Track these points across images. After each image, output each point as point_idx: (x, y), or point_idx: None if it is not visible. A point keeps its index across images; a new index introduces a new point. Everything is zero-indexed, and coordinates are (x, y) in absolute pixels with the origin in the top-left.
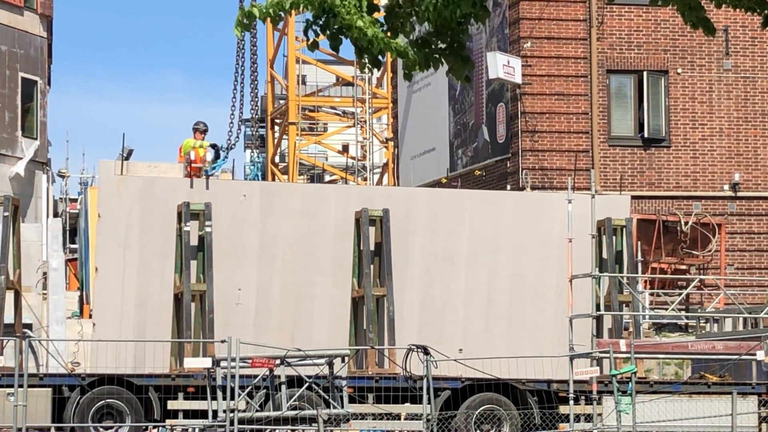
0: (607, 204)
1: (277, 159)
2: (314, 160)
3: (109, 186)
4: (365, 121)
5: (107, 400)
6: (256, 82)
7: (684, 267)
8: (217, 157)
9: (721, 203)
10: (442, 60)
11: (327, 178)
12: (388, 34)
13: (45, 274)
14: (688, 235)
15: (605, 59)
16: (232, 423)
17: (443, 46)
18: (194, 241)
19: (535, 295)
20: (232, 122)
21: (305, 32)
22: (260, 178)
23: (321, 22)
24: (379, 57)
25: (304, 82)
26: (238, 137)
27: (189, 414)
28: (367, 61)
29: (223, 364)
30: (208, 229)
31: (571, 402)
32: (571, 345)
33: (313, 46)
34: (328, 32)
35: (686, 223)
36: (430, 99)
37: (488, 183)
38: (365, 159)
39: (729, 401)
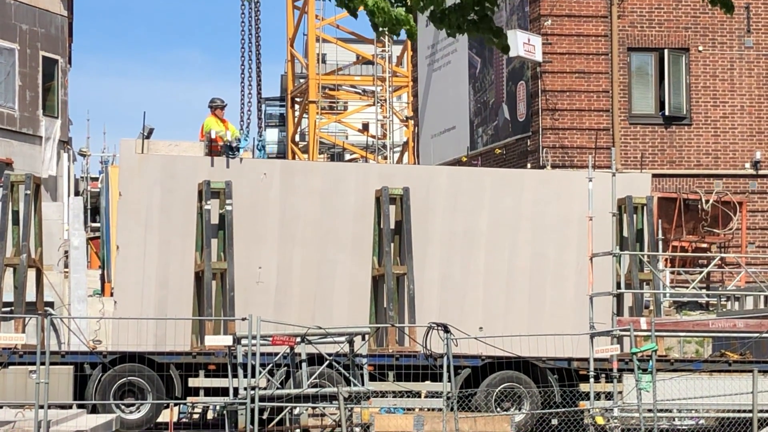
0: (628, 182)
1: (297, 138)
2: (334, 138)
3: (130, 165)
4: (385, 100)
5: (129, 378)
6: (260, 56)
7: (705, 245)
8: (238, 139)
9: (743, 181)
10: (476, 31)
11: (347, 156)
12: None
13: (66, 252)
14: (709, 214)
15: (626, 37)
16: (252, 400)
17: (476, 17)
18: (215, 220)
19: (555, 274)
20: (242, 101)
21: None
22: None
23: None
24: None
25: (324, 61)
26: (250, 117)
27: (210, 392)
28: (384, 30)
29: (243, 341)
30: (228, 208)
31: (592, 380)
32: (591, 323)
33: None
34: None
35: (707, 202)
36: (450, 77)
37: (508, 161)
38: (385, 137)
39: (750, 379)
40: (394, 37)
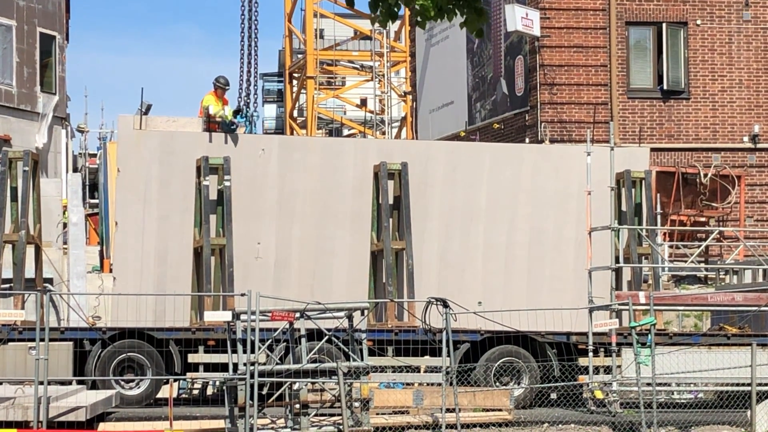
0: (626, 156)
1: (295, 113)
2: (332, 114)
3: (128, 141)
4: (383, 75)
5: (128, 354)
6: (256, 31)
7: (703, 219)
8: (236, 115)
9: (741, 155)
10: (456, 11)
11: (345, 132)
12: None
13: (65, 228)
14: (708, 187)
15: (624, 11)
16: (252, 376)
17: None
18: (213, 196)
19: (554, 248)
20: (241, 78)
21: None
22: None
23: None
24: (394, 8)
25: (321, 36)
26: (248, 94)
27: (209, 367)
28: (380, 13)
29: (243, 317)
30: (227, 183)
31: (590, 354)
32: (590, 297)
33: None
34: None
35: (705, 175)
36: (448, 52)
37: (507, 136)
38: (383, 113)
39: (748, 352)
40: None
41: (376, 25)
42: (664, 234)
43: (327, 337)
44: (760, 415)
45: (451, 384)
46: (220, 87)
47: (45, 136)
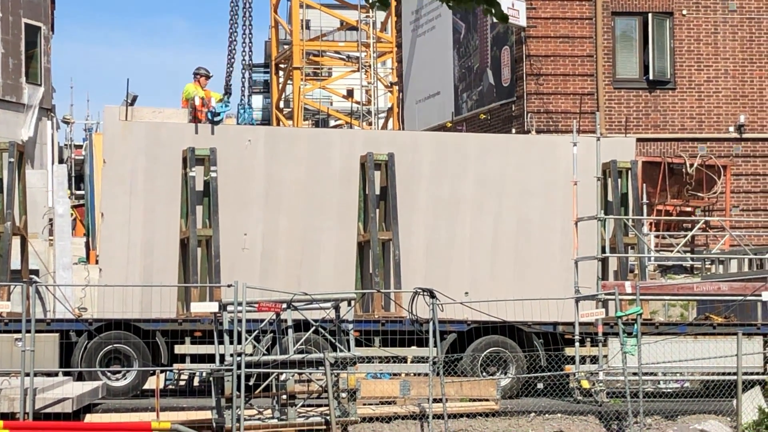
0: (613, 146)
1: (281, 104)
2: (319, 104)
3: (114, 132)
4: (370, 66)
5: (114, 345)
6: (250, 24)
7: (689, 209)
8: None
9: (727, 145)
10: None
11: (332, 122)
12: None
13: (51, 220)
14: (694, 177)
15: (610, 1)
16: (239, 367)
17: None
18: (200, 187)
19: (540, 238)
20: (229, 66)
21: None
22: (252, 122)
23: None
24: None
25: (308, 27)
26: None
27: (196, 358)
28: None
29: (229, 308)
30: (213, 174)
31: (577, 344)
32: (576, 287)
33: None
34: None
35: (691, 165)
36: (434, 43)
37: (493, 126)
38: (370, 103)
39: (734, 342)
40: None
41: (363, 15)
42: (650, 224)
43: (314, 327)
44: (746, 404)
45: (437, 374)
46: (203, 76)
47: (31, 130)
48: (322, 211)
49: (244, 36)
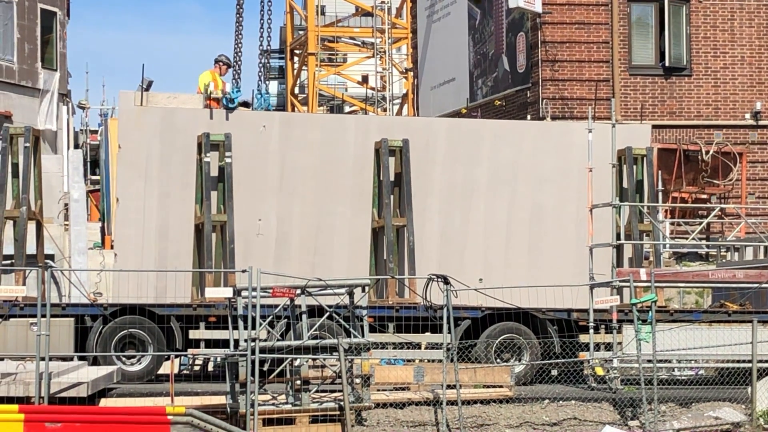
0: (628, 133)
1: (296, 90)
2: (334, 90)
3: (129, 117)
4: (385, 52)
5: (129, 330)
6: (269, 10)
7: (705, 196)
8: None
9: (743, 132)
10: None
11: (346, 108)
12: None
13: (66, 205)
14: (709, 164)
15: None
16: (253, 352)
17: None
18: (214, 172)
19: (555, 225)
20: (238, 50)
21: None
22: (269, 108)
23: None
24: None
25: (323, 13)
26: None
27: (210, 343)
28: None
29: (244, 293)
30: (228, 160)
31: (591, 331)
32: (591, 274)
33: None
34: None
35: (707, 152)
36: (449, 29)
37: (508, 113)
38: (385, 89)
39: (749, 329)
40: None
41: (378, 1)
42: (666, 211)
43: (328, 313)
44: (761, 392)
45: (451, 360)
46: (225, 64)
47: (52, 122)
48: (336, 196)
49: (261, 22)
